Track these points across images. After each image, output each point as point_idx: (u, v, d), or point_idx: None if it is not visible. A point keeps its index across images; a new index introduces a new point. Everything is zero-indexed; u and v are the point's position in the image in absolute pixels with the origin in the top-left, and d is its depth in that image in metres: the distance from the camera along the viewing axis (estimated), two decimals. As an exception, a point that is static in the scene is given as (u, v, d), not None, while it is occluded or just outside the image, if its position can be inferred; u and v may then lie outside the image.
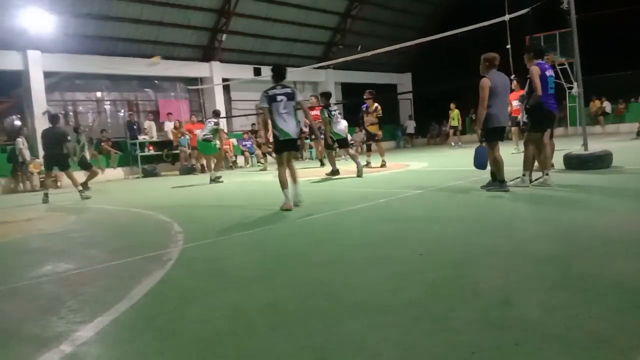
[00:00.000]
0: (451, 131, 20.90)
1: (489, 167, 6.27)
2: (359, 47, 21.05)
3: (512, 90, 15.23)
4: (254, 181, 10.98)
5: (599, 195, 5.48)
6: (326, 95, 10.64)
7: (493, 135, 6.11)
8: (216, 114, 12.33)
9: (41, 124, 15.56)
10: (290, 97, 6.00)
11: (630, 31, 19.00)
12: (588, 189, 5.90)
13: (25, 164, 14.30)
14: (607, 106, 21.25)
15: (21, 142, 14.33)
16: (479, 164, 6.32)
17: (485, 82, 5.94)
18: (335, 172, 10.05)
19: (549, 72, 6.33)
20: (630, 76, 18.57)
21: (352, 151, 10.94)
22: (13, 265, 4.43)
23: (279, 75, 6.16)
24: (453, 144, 19.98)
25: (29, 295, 3.37)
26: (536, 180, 6.38)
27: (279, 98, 5.95)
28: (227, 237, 4.72)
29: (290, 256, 3.81)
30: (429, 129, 26.86)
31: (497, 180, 6.09)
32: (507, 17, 9.51)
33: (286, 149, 6.16)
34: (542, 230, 3.90)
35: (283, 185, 6.02)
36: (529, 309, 2.34)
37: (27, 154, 14.34)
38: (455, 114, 20.00)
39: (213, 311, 2.69)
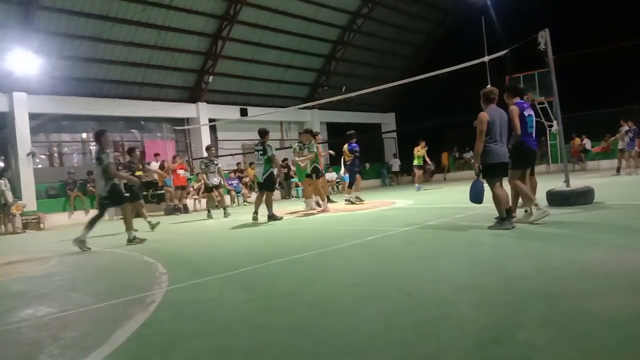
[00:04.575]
0: (419, 172, 17.30)
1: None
2: (344, 88, 21.49)
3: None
4: (239, 220, 10.91)
5: (582, 231, 5.53)
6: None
7: (492, 171, 6.02)
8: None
9: (25, 166, 15.47)
10: None
11: (607, 69, 19.68)
12: (572, 225, 5.95)
13: (7, 206, 14.06)
14: (587, 143, 21.70)
15: (3, 183, 14.14)
16: (474, 198, 6.29)
17: (484, 116, 5.90)
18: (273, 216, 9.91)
19: (528, 112, 6.47)
20: (608, 114, 19.05)
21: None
22: (-9, 310, 4.30)
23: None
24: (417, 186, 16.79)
25: (8, 340, 3.26)
26: (513, 217, 6.39)
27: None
28: (213, 278, 4.65)
29: (278, 297, 3.75)
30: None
31: (499, 218, 5.97)
32: (486, 58, 9.80)
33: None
34: (529, 266, 3.91)
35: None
36: (518, 347, 2.32)
37: (9, 196, 14.12)
38: (423, 152, 16.95)
39: (198, 355, 2.62)
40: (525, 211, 6.29)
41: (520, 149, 6.34)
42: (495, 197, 5.98)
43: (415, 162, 17.02)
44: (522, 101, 6.58)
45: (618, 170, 15.10)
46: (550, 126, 9.27)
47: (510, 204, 6.40)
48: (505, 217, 5.93)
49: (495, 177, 6.03)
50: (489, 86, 6.51)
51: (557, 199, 7.71)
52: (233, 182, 18.85)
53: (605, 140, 20.31)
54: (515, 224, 5.95)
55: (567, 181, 7.93)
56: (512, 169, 6.39)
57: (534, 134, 6.62)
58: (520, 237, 5.46)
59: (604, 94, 19.71)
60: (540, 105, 15.75)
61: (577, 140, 21.69)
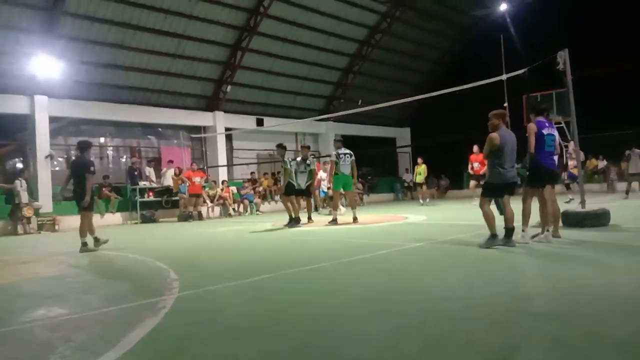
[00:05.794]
0: (419, 188, 18.64)
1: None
2: (360, 101, 21.53)
3: (472, 153, 15.68)
4: (252, 229, 10.94)
5: (598, 253, 5.47)
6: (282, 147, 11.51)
7: (492, 191, 6.13)
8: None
9: (43, 168, 15.71)
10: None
11: (626, 90, 19.47)
12: (587, 247, 5.88)
13: (20, 207, 14.14)
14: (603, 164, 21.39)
15: (19, 184, 14.28)
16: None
17: (495, 137, 5.93)
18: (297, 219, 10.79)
19: (547, 131, 6.38)
20: (625, 135, 18.75)
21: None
22: (5, 309, 4.35)
23: None
24: (422, 202, 18.05)
25: (20, 340, 3.30)
26: (535, 236, 6.35)
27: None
28: (224, 286, 4.66)
29: (287, 307, 3.76)
30: (427, 182, 26.97)
31: (490, 235, 6.00)
32: (504, 77, 9.79)
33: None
34: (542, 286, 3.87)
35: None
36: (528, 367, 2.30)
37: (24, 197, 14.27)
38: (422, 169, 18.20)
39: (207, 362, 2.63)
40: (547, 231, 6.24)
41: (535, 167, 6.31)
42: (484, 215, 6.08)
43: (417, 180, 18.44)
44: (544, 120, 6.51)
45: (627, 193, 14.96)
46: (567, 146, 9.24)
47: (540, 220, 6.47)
48: (496, 234, 5.99)
49: (489, 196, 6.19)
50: (504, 107, 6.51)
51: (572, 220, 7.62)
52: (246, 191, 18.95)
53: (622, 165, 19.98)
54: (501, 244, 5.95)
55: (582, 202, 7.85)
56: (526, 187, 6.39)
57: (552, 153, 6.53)
58: (535, 257, 5.41)
59: (621, 115, 19.49)
60: (557, 125, 15.64)
61: (594, 161, 21.45)
